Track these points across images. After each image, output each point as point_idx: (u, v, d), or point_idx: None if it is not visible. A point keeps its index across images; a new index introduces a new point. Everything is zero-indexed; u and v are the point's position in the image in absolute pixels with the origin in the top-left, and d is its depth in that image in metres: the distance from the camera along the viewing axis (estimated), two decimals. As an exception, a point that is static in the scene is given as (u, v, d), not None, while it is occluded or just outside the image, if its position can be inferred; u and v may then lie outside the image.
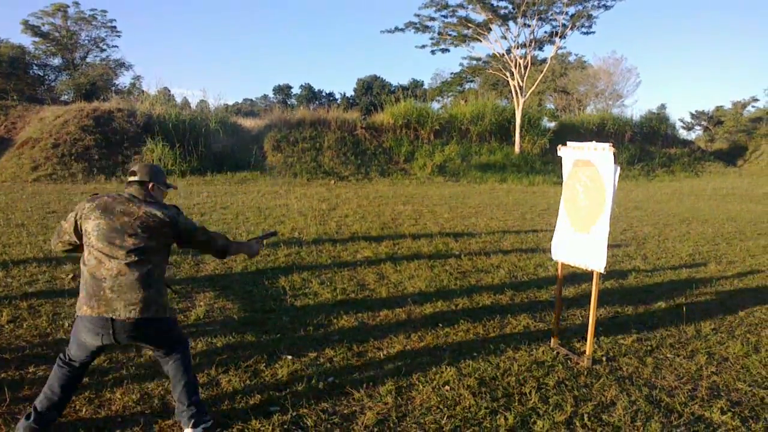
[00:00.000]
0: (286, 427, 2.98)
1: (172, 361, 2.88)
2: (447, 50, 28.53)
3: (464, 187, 19.17)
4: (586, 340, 4.13)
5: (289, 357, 3.90)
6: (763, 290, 6.53)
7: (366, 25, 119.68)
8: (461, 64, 46.04)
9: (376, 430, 2.99)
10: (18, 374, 3.46)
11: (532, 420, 3.17)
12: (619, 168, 3.86)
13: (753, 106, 40.00)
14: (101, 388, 3.32)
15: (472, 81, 46.94)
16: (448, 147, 23.12)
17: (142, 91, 24.44)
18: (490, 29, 25.78)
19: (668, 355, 4.31)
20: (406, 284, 5.97)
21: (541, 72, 27.20)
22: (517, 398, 3.43)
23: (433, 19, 26.32)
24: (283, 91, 73.81)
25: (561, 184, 4.40)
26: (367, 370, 3.76)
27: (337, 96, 69.72)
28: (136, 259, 2.70)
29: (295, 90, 73.42)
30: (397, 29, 27.32)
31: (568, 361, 4.07)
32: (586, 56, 46.87)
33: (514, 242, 8.74)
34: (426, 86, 57.14)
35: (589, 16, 24.93)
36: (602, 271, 3.91)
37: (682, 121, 43.83)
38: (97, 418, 3.01)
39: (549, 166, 23.05)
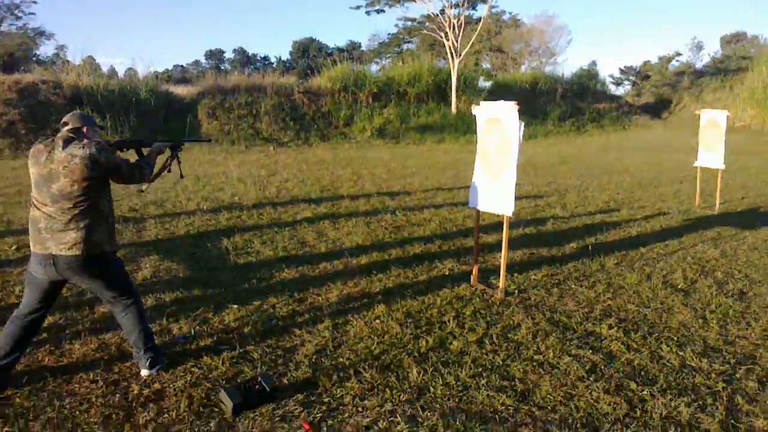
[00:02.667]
0: (234, 360, 3.38)
1: (126, 311, 3.18)
2: (382, 11, 28.60)
3: (403, 149, 19.62)
4: (500, 277, 4.69)
5: (235, 306, 4.28)
6: (665, 229, 7.35)
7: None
8: (397, 25, 45.91)
9: (315, 357, 3.44)
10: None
11: (449, 341, 3.70)
12: (523, 124, 4.35)
13: (677, 60, 42.09)
14: (60, 342, 3.61)
15: (409, 42, 46.99)
16: (386, 110, 23.41)
17: (67, 62, 23.31)
18: (424, -11, 25.96)
19: (572, 286, 4.95)
20: (344, 240, 6.40)
21: (476, 31, 27.66)
22: (437, 325, 3.96)
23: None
24: (215, 56, 71.47)
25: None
26: (307, 313, 4.19)
27: (273, 60, 68.21)
28: (62, 203, 2.90)
29: (228, 55, 71.25)
30: (330, -10, 27.02)
31: (485, 295, 4.64)
32: (519, 14, 47.60)
33: (446, 198, 9.30)
34: (364, 48, 56.82)
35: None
36: (510, 215, 4.45)
37: (611, 76, 45.67)
38: (60, 365, 3.31)
39: (484, 125, 23.73)
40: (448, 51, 26.25)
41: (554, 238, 6.69)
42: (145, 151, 3.59)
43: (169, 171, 3.93)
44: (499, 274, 4.88)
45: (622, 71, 45.67)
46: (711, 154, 8.98)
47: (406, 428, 2.70)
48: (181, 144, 3.88)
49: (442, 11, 26.34)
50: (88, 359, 3.40)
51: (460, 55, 25.53)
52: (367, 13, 28.64)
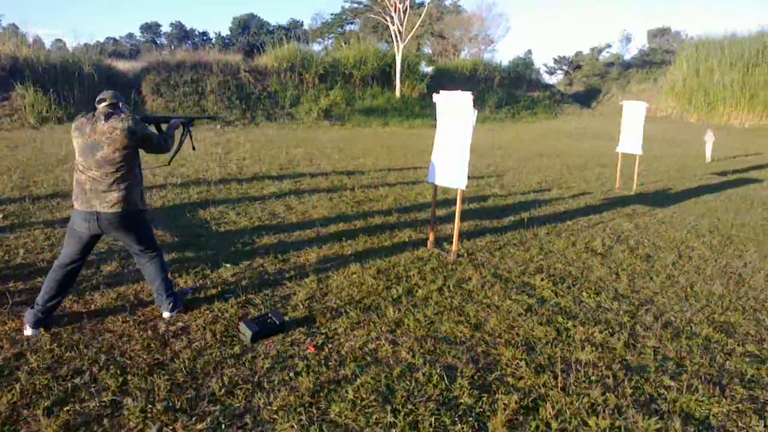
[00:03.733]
0: (240, 305, 4.06)
1: (151, 261, 3.79)
2: (328, -8, 28.79)
3: (350, 131, 20.26)
4: (453, 242, 5.54)
5: (228, 265, 4.91)
6: (588, 206, 8.43)
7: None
8: (343, 7, 46.10)
9: (307, 302, 4.17)
10: (5, 288, 4.18)
11: (415, 290, 4.52)
12: (476, 111, 5.17)
13: (607, 52, 44.55)
14: (80, 294, 4.15)
15: (352, 23, 47.29)
16: (333, 92, 23.90)
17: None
18: (370, -28, 26.42)
19: (511, 250, 5.87)
20: (311, 212, 7.08)
21: (420, 16, 28.42)
22: (404, 279, 4.77)
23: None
24: (151, 29, 68.99)
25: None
26: (292, 270, 4.89)
27: (212, 35, 66.60)
28: (105, 168, 3.45)
29: (165, 28, 68.89)
30: (276, -31, 26.96)
31: (440, 256, 5.49)
32: (460, 1, 48.82)
33: (398, 177, 10.11)
34: (306, 27, 56.54)
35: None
36: (464, 188, 5.29)
37: (545, 65, 47.78)
38: (89, 310, 3.88)
39: (427, 110, 24.67)
40: (392, 35, 26.91)
41: (495, 213, 7.63)
42: (164, 126, 4.14)
43: (181, 144, 4.47)
44: (451, 241, 5.73)
45: (555, 60, 47.83)
46: (630, 141, 10.19)
47: (390, 348, 3.49)
48: (193, 121, 4.43)
49: (388, -5, 26.92)
50: (111, 306, 3.97)
51: (404, 40, 26.24)
52: (313, -7, 28.76)
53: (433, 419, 2.77)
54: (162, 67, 21.99)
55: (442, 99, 5.47)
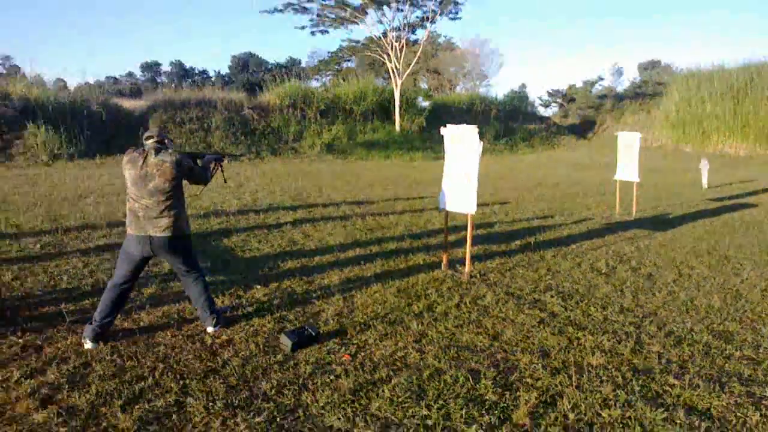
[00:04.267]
0: (277, 320, 4.41)
1: (196, 281, 4.15)
2: (326, 32, 29.81)
3: (353, 164, 20.78)
4: (465, 264, 5.91)
5: (259, 286, 5.27)
6: (590, 231, 8.83)
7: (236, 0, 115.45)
8: (340, 46, 47.37)
9: (336, 318, 4.52)
10: (58, 309, 4.52)
11: (434, 306, 4.88)
12: (482, 143, 5.61)
13: (600, 85, 45.50)
14: (128, 313, 4.49)
15: (349, 60, 48.48)
16: (334, 126, 24.56)
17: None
18: (367, 13, 27.42)
19: (520, 271, 6.24)
20: (328, 239, 7.46)
21: (415, 53, 29.34)
22: (423, 296, 5.13)
23: (311, 0, 27.34)
24: (151, 68, 70.42)
25: (438, 158, 6.11)
26: (318, 291, 5.25)
27: (212, 74, 67.95)
28: (157, 197, 3.85)
29: (165, 67, 70.29)
30: (276, 10, 27.91)
31: (454, 277, 5.85)
32: (454, 38, 50.15)
33: (406, 206, 10.53)
34: (303, 65, 57.81)
35: (456, 3, 27.38)
36: (473, 212, 5.69)
37: (540, 99, 48.75)
38: (140, 327, 4.23)
39: (427, 143, 25.30)
40: (390, 72, 27.75)
41: (502, 238, 8.01)
42: (199, 161, 4.55)
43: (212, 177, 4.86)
44: (463, 263, 6.10)
45: (549, 94, 48.83)
46: (627, 170, 10.66)
47: (417, 355, 3.84)
48: (224, 157, 4.83)
49: (384, 34, 27.88)
50: (158, 323, 4.32)
51: (401, 76, 27.06)
52: (312, 33, 29.75)
53: (463, 412, 3.11)
54: (167, 104, 22.65)
55: (450, 132, 5.92)
